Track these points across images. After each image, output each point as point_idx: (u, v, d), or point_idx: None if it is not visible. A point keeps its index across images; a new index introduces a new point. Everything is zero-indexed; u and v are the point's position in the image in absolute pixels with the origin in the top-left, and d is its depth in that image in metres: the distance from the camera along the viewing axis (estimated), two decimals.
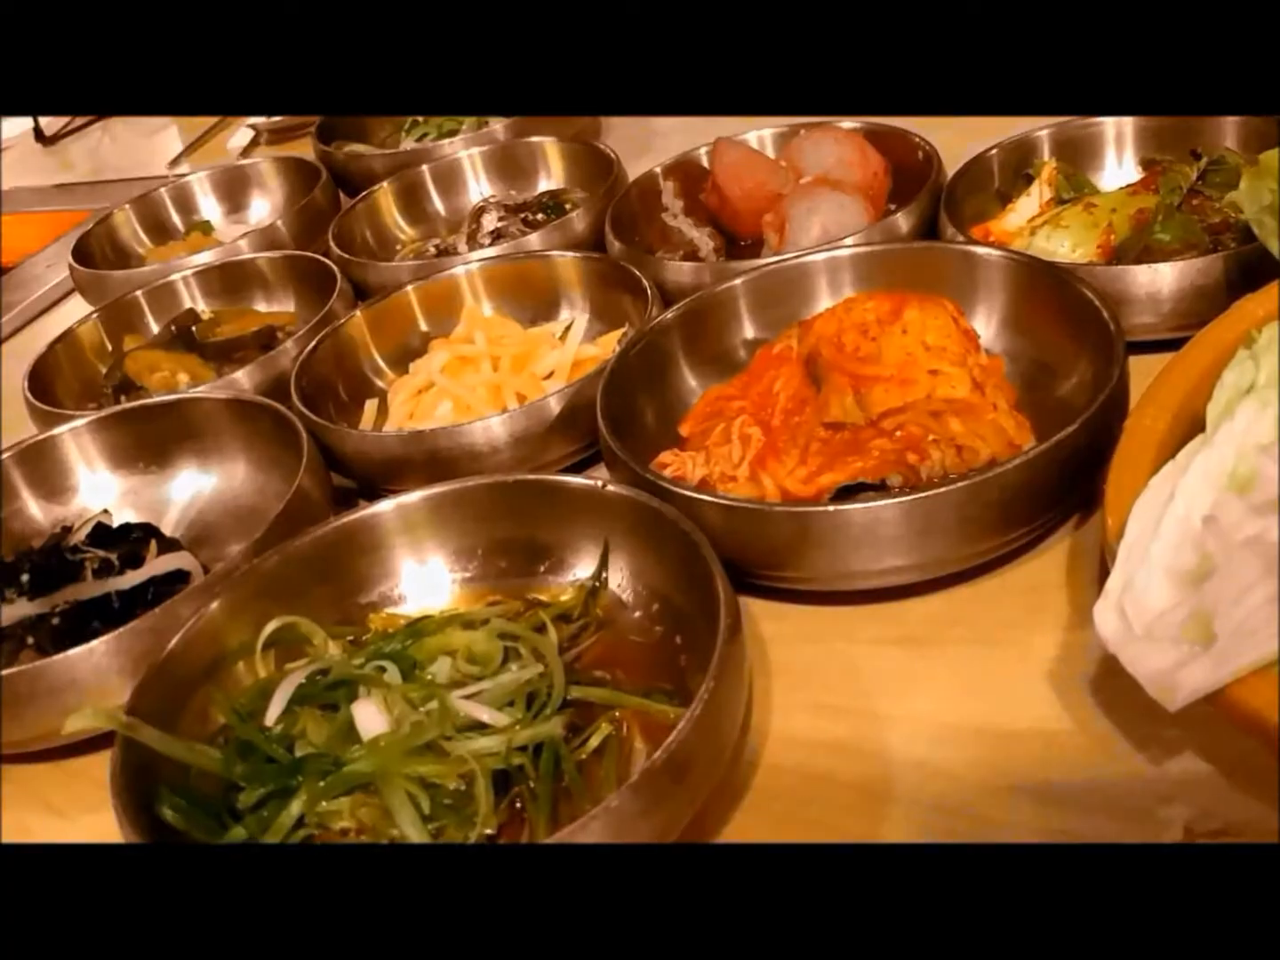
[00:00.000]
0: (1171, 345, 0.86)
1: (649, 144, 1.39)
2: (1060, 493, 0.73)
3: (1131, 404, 0.73)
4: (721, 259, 1.08)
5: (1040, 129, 1.05)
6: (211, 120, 1.82)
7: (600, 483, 0.76)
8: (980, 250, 0.89)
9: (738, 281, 0.91)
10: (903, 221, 1.00)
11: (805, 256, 0.92)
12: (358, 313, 1.02)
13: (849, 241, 0.95)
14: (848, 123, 1.14)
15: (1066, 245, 0.93)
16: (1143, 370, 0.76)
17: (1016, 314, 0.87)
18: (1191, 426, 0.67)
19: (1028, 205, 1.01)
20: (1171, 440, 0.67)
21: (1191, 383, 0.69)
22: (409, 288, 1.05)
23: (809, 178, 1.09)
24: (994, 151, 1.04)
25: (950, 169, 1.05)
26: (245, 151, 1.68)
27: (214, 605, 0.74)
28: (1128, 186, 0.97)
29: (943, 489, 0.68)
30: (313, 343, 0.99)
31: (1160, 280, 0.85)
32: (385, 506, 0.80)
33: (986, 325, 0.88)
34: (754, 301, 0.92)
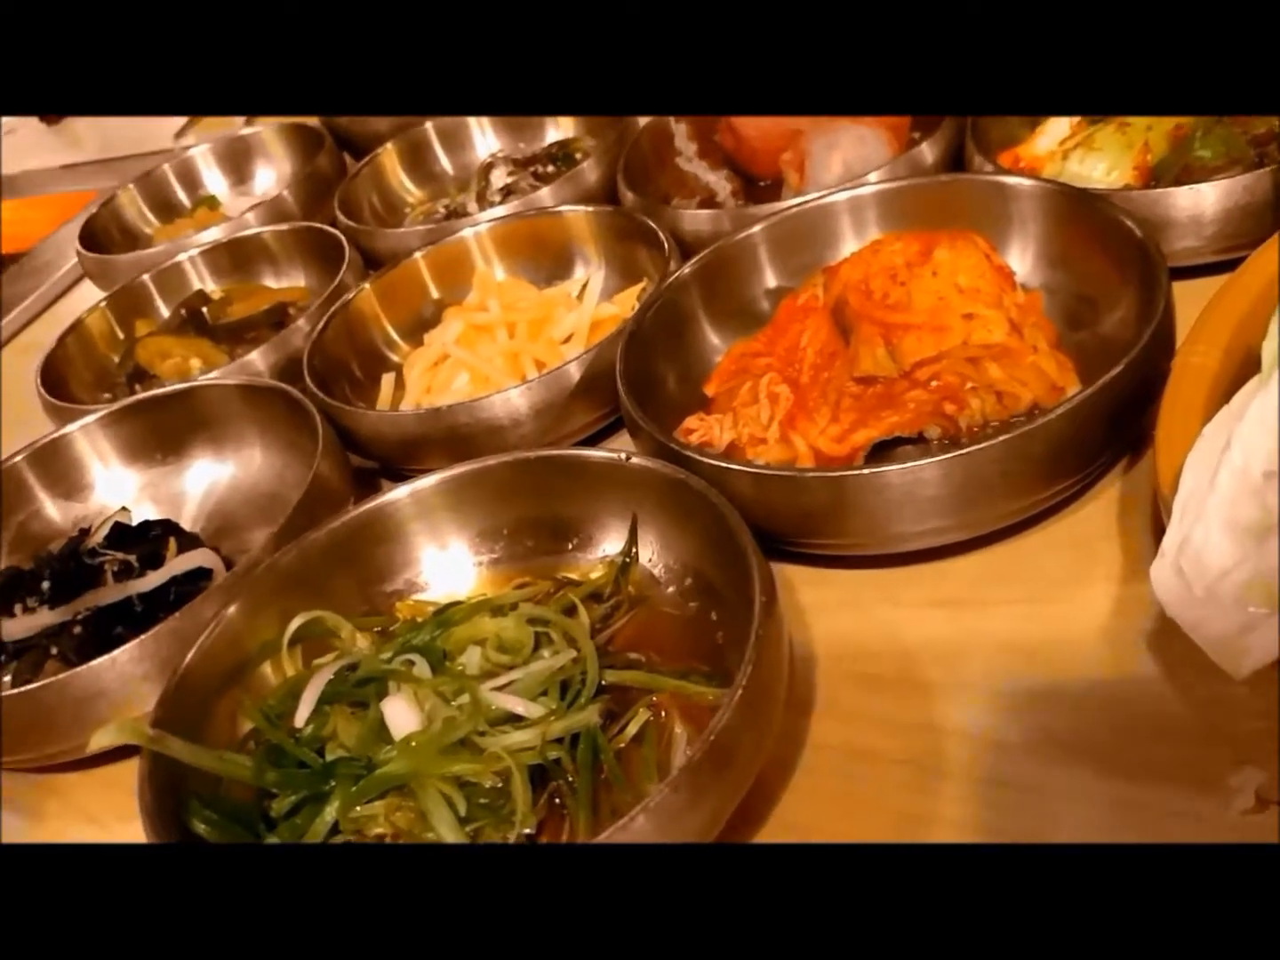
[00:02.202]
0: (1219, 268, 0.82)
1: None
2: (1107, 439, 0.69)
3: (1179, 337, 0.69)
4: (740, 202, 1.04)
5: None
6: None
7: (624, 455, 0.73)
8: (1010, 180, 0.84)
9: (756, 229, 0.87)
10: (928, 151, 0.95)
11: (826, 198, 0.88)
12: (367, 285, 0.99)
13: (872, 178, 0.91)
14: None
15: (1101, 168, 0.88)
16: (1190, 296, 0.72)
17: (1052, 246, 0.83)
18: (1245, 362, 0.63)
19: (1058, 127, 0.96)
20: (1225, 377, 0.63)
21: (1242, 313, 0.64)
22: (418, 255, 1.01)
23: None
24: None
25: None
26: (249, 119, 1.64)
27: (236, 605, 0.72)
28: None
29: (983, 445, 0.64)
30: (322, 321, 0.96)
31: (1203, 201, 0.80)
32: (405, 492, 0.77)
33: (1021, 259, 0.84)
34: (775, 248, 0.88)
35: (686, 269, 0.85)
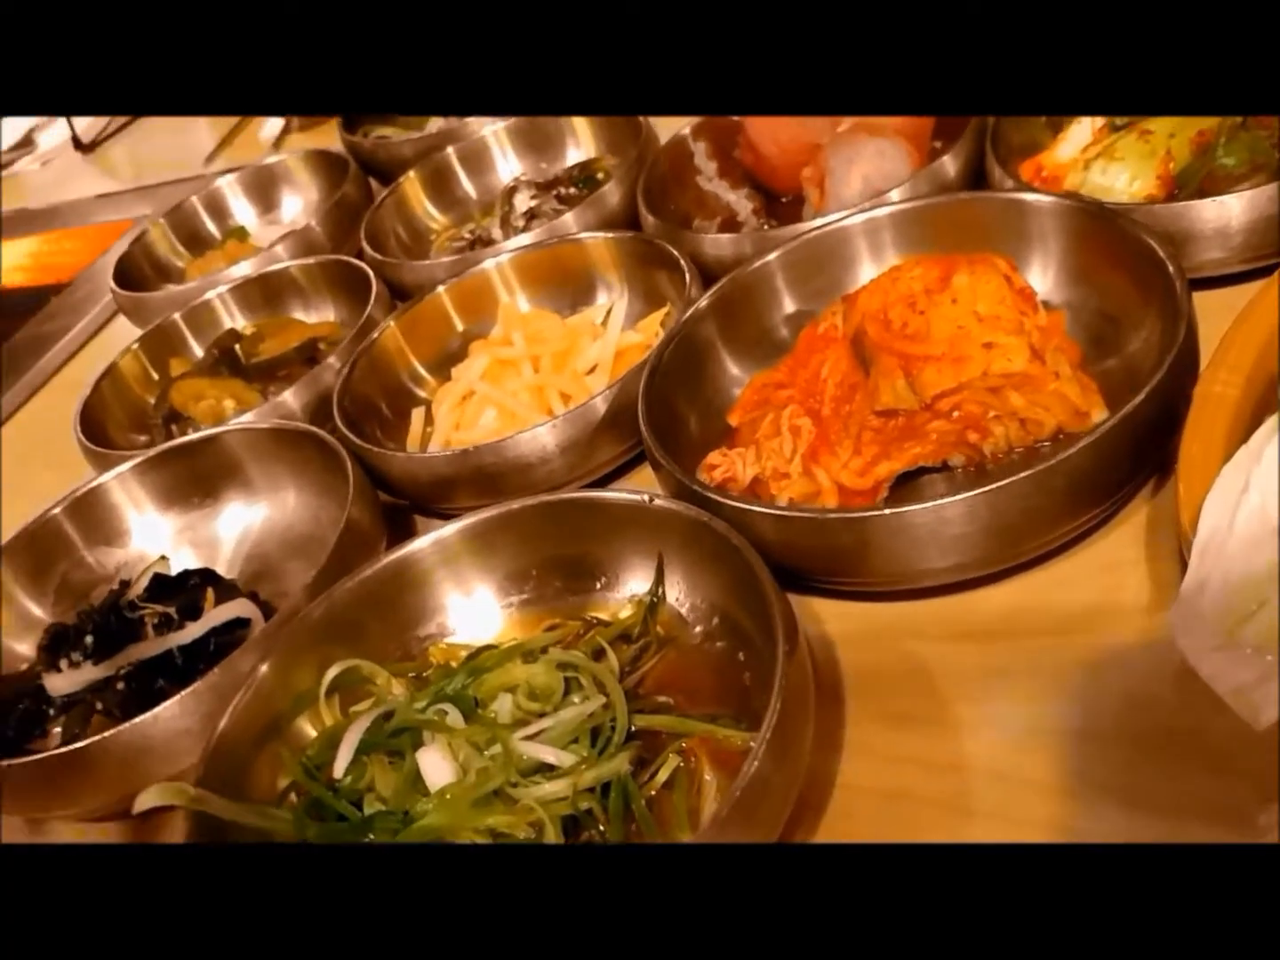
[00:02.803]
0: (1248, 276, 0.82)
1: None
2: (1132, 466, 0.69)
3: (1208, 348, 0.68)
4: (762, 220, 1.04)
5: None
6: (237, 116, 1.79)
7: (647, 497, 0.74)
8: (1029, 197, 0.83)
9: (772, 257, 0.87)
10: (949, 164, 0.95)
11: (844, 220, 0.88)
12: (391, 323, 1.00)
13: (894, 195, 0.91)
14: None
15: (1124, 179, 0.87)
16: (1218, 307, 0.72)
17: (1074, 262, 0.82)
18: (1268, 389, 0.63)
19: (1079, 133, 0.95)
20: (1247, 405, 0.63)
21: (1262, 341, 0.64)
22: (441, 289, 1.02)
23: (846, 124, 1.03)
24: None
25: None
26: (277, 142, 1.66)
27: (273, 657, 0.74)
28: None
29: (1004, 483, 0.64)
30: (350, 360, 0.97)
31: (1227, 213, 0.79)
32: (432, 539, 0.78)
33: (1043, 276, 0.84)
34: (792, 274, 0.88)
35: (703, 301, 0.85)
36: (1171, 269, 0.72)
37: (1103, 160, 0.88)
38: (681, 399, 0.83)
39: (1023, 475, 0.64)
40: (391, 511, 0.92)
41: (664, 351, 0.82)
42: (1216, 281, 0.82)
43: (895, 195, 0.91)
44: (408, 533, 0.94)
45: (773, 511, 0.69)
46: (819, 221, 0.89)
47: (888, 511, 0.65)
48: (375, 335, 0.99)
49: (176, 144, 1.88)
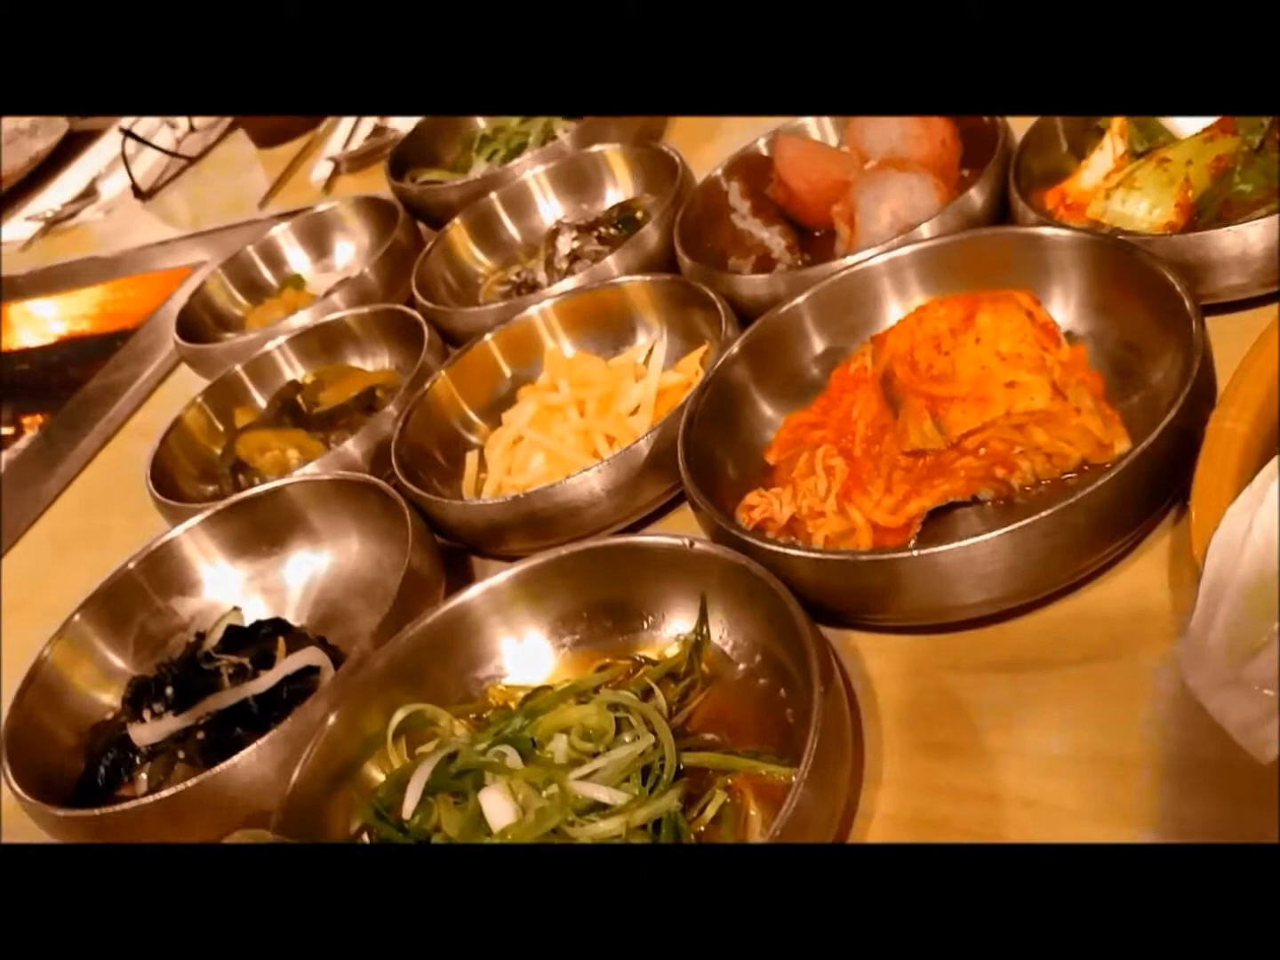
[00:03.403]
0: (1269, 300, 0.84)
1: (711, 134, 1.37)
2: (1150, 499, 0.71)
3: (1226, 371, 0.70)
4: (795, 256, 1.07)
5: None
6: (293, 154, 1.85)
7: (688, 541, 0.77)
8: (1047, 231, 0.86)
9: (800, 300, 0.91)
10: (976, 196, 0.97)
11: (871, 260, 0.91)
12: (442, 372, 1.04)
13: (923, 231, 0.93)
14: None
15: (1144, 207, 0.90)
16: (1239, 329, 0.75)
17: (1095, 294, 0.85)
18: (1275, 425, 0.65)
19: (1101, 160, 0.97)
20: (1256, 441, 0.65)
21: (1271, 377, 0.66)
22: (488, 337, 1.06)
23: (874, 160, 1.06)
24: (1045, 120, 0.99)
25: (1015, 118, 1.02)
26: (328, 185, 1.71)
27: (343, 706, 0.78)
28: (1203, 131, 0.93)
29: (1028, 521, 0.67)
30: (406, 410, 1.01)
31: (1245, 241, 0.81)
32: (488, 586, 0.82)
33: (1065, 308, 0.86)
34: (822, 314, 0.92)
35: (735, 347, 0.89)
36: (1188, 305, 0.75)
37: (1123, 190, 0.91)
38: (719, 442, 0.86)
39: (1045, 514, 0.67)
40: (449, 554, 0.96)
41: (700, 397, 0.86)
42: (1237, 305, 0.85)
43: (924, 230, 0.94)
44: (465, 574, 0.98)
45: (808, 554, 0.72)
46: (848, 261, 0.93)
47: (917, 553, 0.69)
48: (428, 385, 1.03)
49: (232, 187, 1.94)
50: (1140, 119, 0.97)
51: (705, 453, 0.84)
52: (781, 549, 0.73)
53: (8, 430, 1.89)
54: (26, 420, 1.87)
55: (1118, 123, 0.97)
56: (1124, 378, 0.82)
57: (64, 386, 1.84)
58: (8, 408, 1.93)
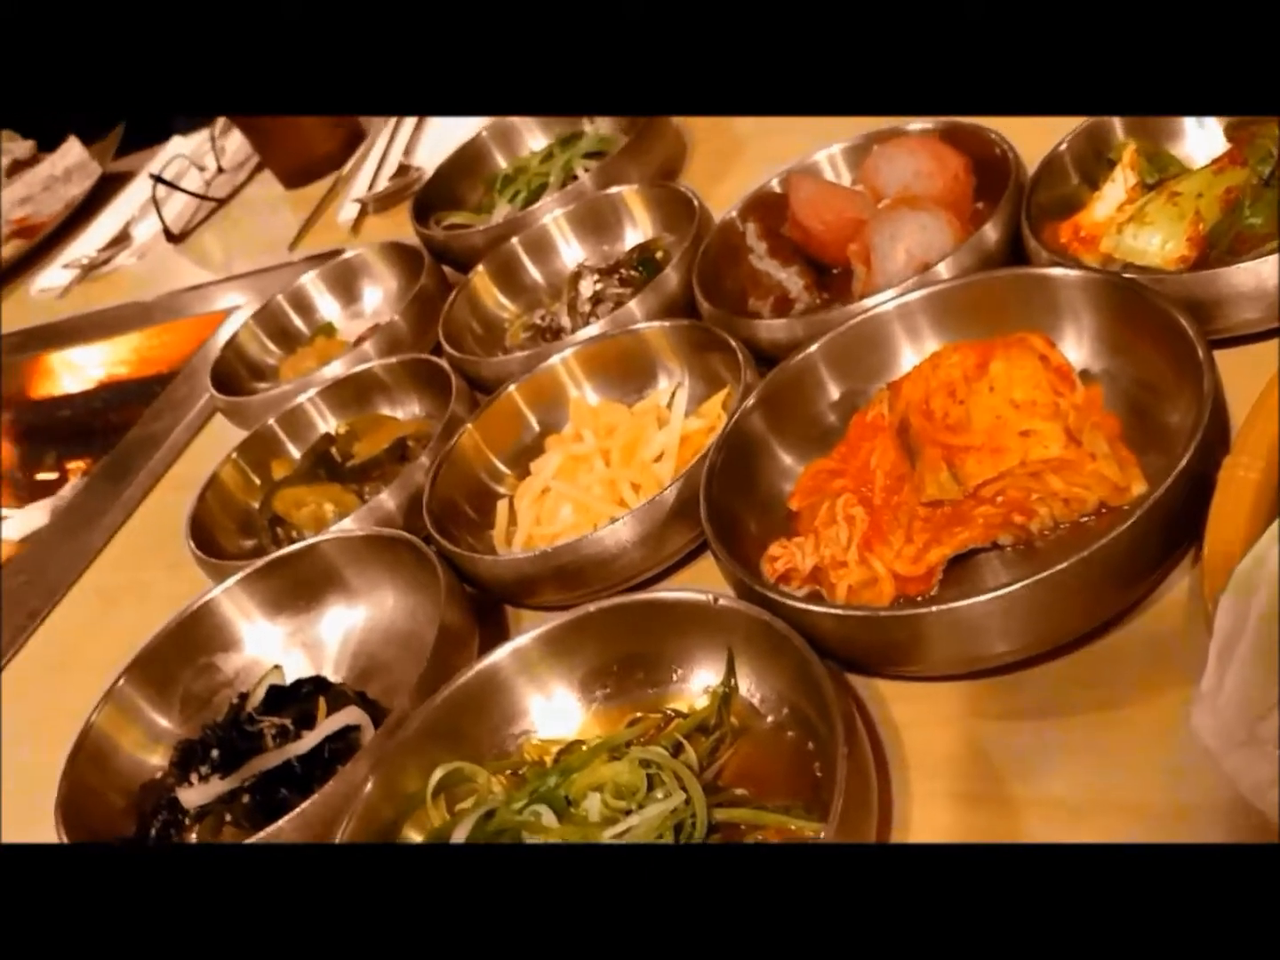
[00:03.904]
0: None
1: (725, 171, 1.39)
2: (1169, 544, 0.72)
3: (1243, 407, 0.71)
4: (813, 295, 1.08)
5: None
6: (320, 194, 1.88)
7: (711, 597, 0.79)
8: (1058, 272, 0.87)
9: (814, 348, 0.92)
10: (990, 232, 0.98)
11: (884, 305, 0.92)
12: (470, 426, 1.06)
13: (940, 270, 0.94)
14: (917, 124, 1.12)
15: (1156, 241, 0.90)
16: (1254, 361, 0.77)
17: (1108, 333, 0.85)
18: None
19: (1113, 192, 0.98)
20: (1269, 488, 0.66)
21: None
22: (512, 388, 1.08)
23: (888, 198, 1.07)
24: (1064, 147, 1.00)
25: (1027, 151, 1.03)
26: (355, 225, 1.74)
27: (382, 767, 0.80)
28: (1213, 162, 0.93)
29: (1045, 575, 0.68)
30: (435, 465, 1.03)
31: (1258, 277, 0.81)
32: (516, 647, 0.84)
33: (1079, 347, 0.87)
34: (837, 361, 0.93)
35: (751, 399, 0.90)
36: (1200, 352, 0.75)
37: (1134, 225, 0.91)
38: (739, 493, 0.88)
39: (1061, 567, 0.68)
40: (483, 603, 0.98)
41: (719, 451, 0.87)
42: (1253, 337, 0.85)
43: (941, 269, 0.95)
44: (499, 622, 1.00)
45: (829, 611, 0.74)
46: (864, 304, 0.94)
47: (936, 609, 0.70)
48: (456, 439, 1.05)
49: (261, 228, 1.97)
50: (1149, 150, 0.98)
51: (726, 505, 0.86)
52: (803, 605, 0.75)
53: (52, 475, 1.94)
54: (70, 465, 1.91)
55: (1128, 154, 0.98)
56: (1140, 416, 0.82)
57: (105, 432, 1.88)
58: (52, 453, 1.98)
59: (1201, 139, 0.99)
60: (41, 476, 1.95)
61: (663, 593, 0.83)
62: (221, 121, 2.16)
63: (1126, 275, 0.86)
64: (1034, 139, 1.04)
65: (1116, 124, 1.00)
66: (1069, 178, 1.01)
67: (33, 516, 1.81)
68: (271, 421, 1.24)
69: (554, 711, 0.85)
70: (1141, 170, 0.97)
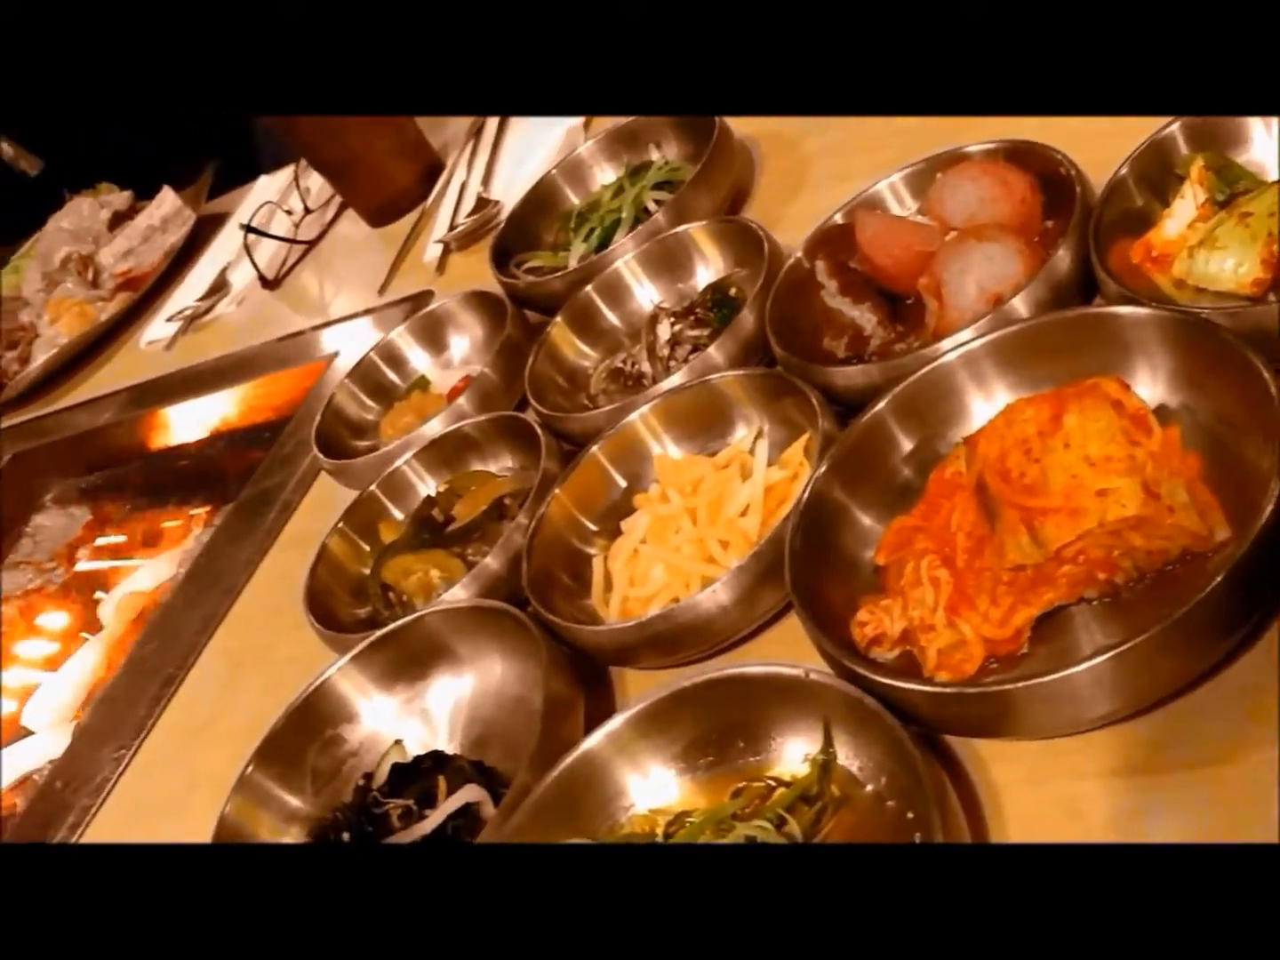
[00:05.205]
0: None
1: (790, 198, 1.39)
2: (1256, 597, 0.72)
3: None
4: (887, 331, 1.09)
5: (1170, 124, 0.99)
6: (404, 232, 1.92)
7: (804, 672, 0.81)
8: (1126, 311, 0.87)
9: (882, 405, 0.94)
10: (1061, 260, 0.97)
11: (953, 353, 0.93)
12: (558, 491, 1.09)
13: (1016, 306, 0.95)
14: (978, 145, 1.11)
15: (1229, 265, 0.89)
16: None
17: (1183, 369, 0.85)
18: None
19: (1184, 209, 0.96)
20: None
21: None
22: (595, 449, 1.11)
23: (955, 227, 1.07)
24: (1128, 166, 0.99)
25: (1090, 166, 1.02)
26: (440, 264, 1.77)
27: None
28: None
29: (1129, 645, 0.69)
30: (530, 531, 1.07)
31: None
32: (621, 723, 0.87)
33: (1154, 384, 0.86)
34: (908, 415, 0.94)
35: (824, 465, 0.92)
36: (1274, 392, 0.75)
37: (1205, 250, 0.90)
38: (822, 558, 0.89)
39: (1144, 638, 0.69)
40: (586, 667, 1.01)
41: (798, 523, 0.89)
42: None
43: (1017, 304, 0.95)
44: (604, 684, 1.03)
45: (919, 688, 0.76)
46: (934, 349, 0.94)
47: (1023, 685, 0.71)
48: (546, 506, 1.08)
49: (351, 269, 2.02)
50: (1217, 163, 0.97)
51: (810, 571, 0.88)
52: (892, 682, 0.77)
53: (176, 522, 2.03)
54: (193, 513, 2.00)
55: (1196, 169, 0.97)
56: (1220, 450, 0.82)
57: (221, 478, 1.97)
58: (174, 501, 2.07)
59: (1269, 146, 0.97)
60: (167, 524, 2.05)
61: (756, 667, 0.85)
62: (304, 161, 2.20)
63: (1196, 311, 0.85)
64: (1096, 153, 1.04)
65: (1179, 138, 0.99)
66: (1136, 196, 1.00)
67: (161, 568, 1.91)
68: (374, 488, 1.29)
69: (660, 782, 0.88)
70: (1211, 185, 0.95)
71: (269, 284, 2.12)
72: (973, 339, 0.92)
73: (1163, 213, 0.98)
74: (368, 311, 1.84)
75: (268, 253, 2.17)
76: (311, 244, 2.15)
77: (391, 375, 1.53)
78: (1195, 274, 0.91)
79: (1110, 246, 0.97)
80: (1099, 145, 1.03)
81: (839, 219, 1.16)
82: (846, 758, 0.82)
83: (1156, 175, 1.00)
